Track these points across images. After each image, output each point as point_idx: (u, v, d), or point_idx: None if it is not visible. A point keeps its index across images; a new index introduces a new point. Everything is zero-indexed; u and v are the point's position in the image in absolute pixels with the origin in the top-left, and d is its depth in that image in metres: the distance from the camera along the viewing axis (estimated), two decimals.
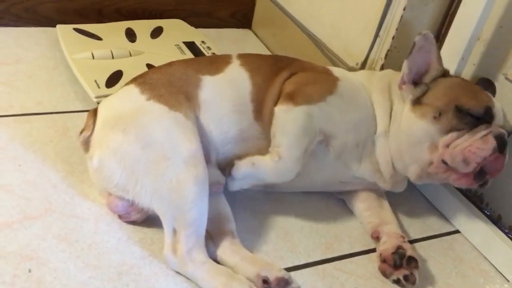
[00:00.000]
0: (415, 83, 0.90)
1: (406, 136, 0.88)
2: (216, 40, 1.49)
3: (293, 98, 0.86)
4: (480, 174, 0.85)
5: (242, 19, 1.63)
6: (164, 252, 0.78)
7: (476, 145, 0.83)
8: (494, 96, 0.99)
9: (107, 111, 0.86)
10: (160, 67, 0.94)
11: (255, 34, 1.63)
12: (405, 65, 0.89)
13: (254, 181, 0.86)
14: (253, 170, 0.84)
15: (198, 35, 1.39)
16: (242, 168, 0.84)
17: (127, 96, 0.87)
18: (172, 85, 0.87)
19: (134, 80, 0.90)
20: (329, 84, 0.90)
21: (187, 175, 0.77)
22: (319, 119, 0.86)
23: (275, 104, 0.88)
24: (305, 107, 0.86)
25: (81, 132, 0.87)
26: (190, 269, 0.76)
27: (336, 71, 0.96)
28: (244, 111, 0.89)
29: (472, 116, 0.85)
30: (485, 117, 0.85)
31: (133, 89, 0.87)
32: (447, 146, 0.85)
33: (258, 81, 0.91)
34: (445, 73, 0.91)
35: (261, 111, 0.89)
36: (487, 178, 0.86)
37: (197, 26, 1.46)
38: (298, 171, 0.86)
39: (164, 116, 0.82)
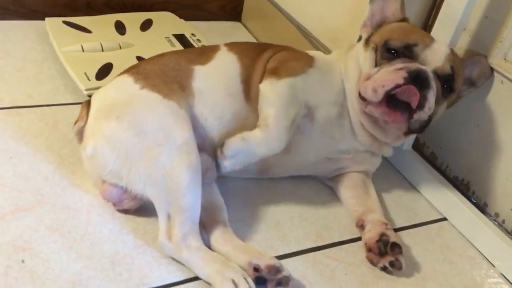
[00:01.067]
0: (379, 28, 0.95)
1: (354, 67, 0.93)
2: (206, 32, 1.49)
3: (276, 72, 0.89)
4: (397, 103, 0.84)
5: (232, 11, 1.63)
6: (159, 238, 0.79)
7: (385, 76, 0.84)
8: (488, 76, 0.99)
9: (100, 100, 0.86)
10: (152, 58, 0.95)
11: (245, 27, 1.64)
12: (367, 10, 0.95)
13: (246, 158, 0.86)
14: (244, 145, 0.85)
15: (188, 28, 1.40)
16: (233, 144, 0.84)
17: (121, 86, 0.88)
18: (165, 75, 0.88)
19: (127, 71, 0.91)
20: (308, 59, 0.94)
21: (180, 161, 0.79)
22: (303, 90, 0.89)
23: (260, 82, 0.90)
24: (288, 79, 0.88)
25: (75, 123, 0.88)
26: (185, 255, 0.78)
27: (314, 52, 1.00)
28: (236, 93, 0.91)
29: (391, 51, 0.87)
30: (404, 53, 0.87)
31: (127, 79, 0.88)
32: (367, 79, 0.88)
33: (245, 62, 0.93)
34: (403, 20, 0.95)
35: (249, 91, 0.91)
36: (412, 113, 0.84)
37: (186, 18, 1.46)
38: (286, 141, 0.87)
39: (158, 104, 0.83)
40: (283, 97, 0.87)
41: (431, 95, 0.85)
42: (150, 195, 0.80)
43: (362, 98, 0.88)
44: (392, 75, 0.84)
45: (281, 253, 0.87)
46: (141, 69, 0.89)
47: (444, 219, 1.04)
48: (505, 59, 0.99)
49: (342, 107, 0.94)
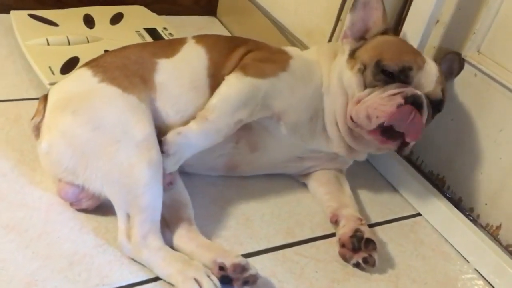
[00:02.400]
0: (361, 38, 0.91)
1: (337, 84, 0.88)
2: (179, 27, 1.46)
3: (245, 68, 0.86)
4: (391, 132, 0.82)
5: (207, 6, 1.60)
6: (118, 238, 0.76)
7: (379, 101, 0.81)
8: (459, 71, 0.99)
9: (57, 94, 0.83)
10: (114, 50, 0.91)
11: (220, 22, 1.61)
12: (348, 19, 0.90)
13: (187, 151, 0.82)
14: (182, 139, 0.80)
15: (160, 22, 1.36)
16: (170, 140, 0.80)
17: (79, 79, 0.84)
18: (126, 68, 0.85)
19: (86, 64, 0.88)
20: (282, 62, 0.89)
21: (140, 158, 0.75)
22: (266, 94, 0.85)
23: None
24: (254, 79, 0.85)
25: (32, 118, 0.85)
26: (145, 255, 0.74)
27: (291, 50, 0.96)
28: (201, 87, 0.88)
29: (386, 74, 0.83)
30: (399, 76, 0.83)
31: (85, 72, 0.84)
32: (358, 102, 0.84)
33: (214, 56, 0.90)
34: (385, 31, 0.91)
35: (217, 87, 0.88)
36: (406, 140, 0.83)
37: (160, 13, 1.43)
38: (226, 133, 0.83)
39: (117, 99, 0.80)
40: (239, 95, 0.83)
41: (424, 121, 0.84)
42: (108, 194, 0.77)
43: (352, 120, 0.85)
44: (386, 102, 0.81)
45: (250, 250, 0.84)
46: (101, 62, 0.86)
47: (419, 214, 1.02)
48: (478, 51, 0.97)
49: (315, 112, 0.90)
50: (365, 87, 0.85)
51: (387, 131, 0.83)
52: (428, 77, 0.85)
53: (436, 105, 0.87)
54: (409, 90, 0.82)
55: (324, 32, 1.18)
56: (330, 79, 0.90)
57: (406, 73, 0.83)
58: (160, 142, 0.79)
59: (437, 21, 1.00)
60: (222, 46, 0.92)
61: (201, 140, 0.82)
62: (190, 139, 0.81)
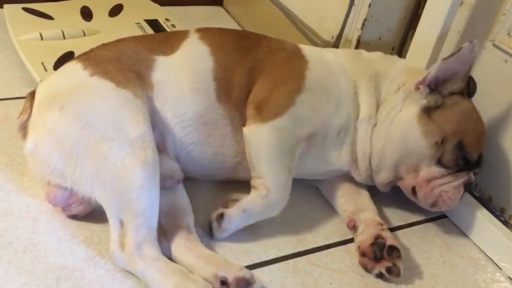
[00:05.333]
0: (430, 87, 0.82)
1: (398, 140, 0.81)
2: (183, 18, 1.39)
3: (260, 113, 0.77)
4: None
5: None
6: (111, 247, 0.69)
7: (450, 194, 0.81)
8: (473, 93, 0.89)
9: (45, 90, 0.76)
10: (108, 43, 0.84)
11: (227, 12, 1.53)
12: (437, 66, 0.79)
13: (244, 225, 0.78)
14: (246, 216, 0.76)
15: (162, 13, 1.29)
16: (234, 218, 0.75)
17: (68, 73, 0.78)
18: (121, 62, 0.78)
19: (77, 57, 0.81)
20: (296, 79, 0.80)
21: (134, 158, 0.69)
22: (293, 129, 0.78)
23: (244, 90, 0.79)
24: (273, 122, 0.77)
25: (18, 117, 0.78)
26: (139, 266, 0.67)
27: (308, 51, 0.86)
28: (204, 90, 0.80)
29: (465, 160, 0.81)
30: (473, 165, 0.82)
31: (75, 65, 0.78)
32: (428, 181, 0.81)
33: (221, 59, 0.81)
34: (462, 91, 0.82)
35: (227, 94, 0.80)
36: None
37: (163, 4, 1.36)
38: (288, 198, 0.78)
39: (109, 93, 0.73)
40: (273, 147, 0.76)
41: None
42: (99, 197, 0.70)
43: (413, 192, 0.83)
44: (455, 195, 0.82)
45: (257, 260, 0.77)
46: (92, 55, 0.79)
47: (444, 216, 0.94)
48: (509, 34, 0.88)
49: (341, 124, 0.82)
50: (438, 162, 0.80)
51: None
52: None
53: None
54: (470, 178, 0.83)
55: (336, 19, 1.09)
56: (381, 116, 0.83)
57: (479, 161, 0.83)
58: (221, 216, 0.75)
59: (462, 3, 0.92)
60: (231, 48, 0.83)
61: (266, 214, 0.77)
62: (254, 216, 0.77)
